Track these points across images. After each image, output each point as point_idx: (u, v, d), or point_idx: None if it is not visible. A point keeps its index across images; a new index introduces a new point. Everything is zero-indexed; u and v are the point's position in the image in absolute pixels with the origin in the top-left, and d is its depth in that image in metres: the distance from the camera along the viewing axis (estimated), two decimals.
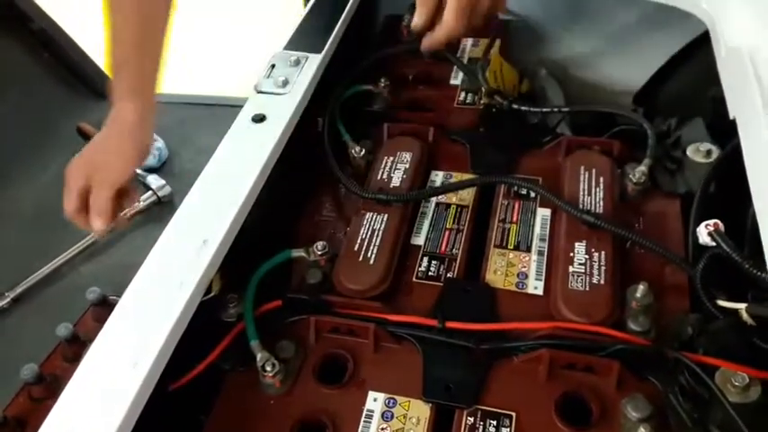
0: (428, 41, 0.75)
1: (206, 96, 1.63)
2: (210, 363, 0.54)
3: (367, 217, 0.66)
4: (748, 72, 0.65)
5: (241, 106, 0.72)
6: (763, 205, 0.52)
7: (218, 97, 1.58)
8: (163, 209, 1.23)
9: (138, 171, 1.26)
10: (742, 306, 0.53)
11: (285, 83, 0.74)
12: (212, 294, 0.56)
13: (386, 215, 0.66)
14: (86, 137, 1.35)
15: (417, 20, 0.73)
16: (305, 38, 0.81)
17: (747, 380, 0.44)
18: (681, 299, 0.58)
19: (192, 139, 1.34)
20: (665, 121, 0.79)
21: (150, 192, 1.23)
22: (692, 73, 0.95)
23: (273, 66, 0.77)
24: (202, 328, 0.54)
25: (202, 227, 0.57)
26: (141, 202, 1.23)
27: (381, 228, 0.65)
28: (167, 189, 1.23)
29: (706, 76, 0.80)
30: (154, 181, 1.24)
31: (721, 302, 0.55)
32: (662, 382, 0.49)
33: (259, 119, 0.69)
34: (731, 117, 0.66)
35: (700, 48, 0.88)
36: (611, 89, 1.08)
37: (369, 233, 0.64)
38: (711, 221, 0.56)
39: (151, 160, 1.32)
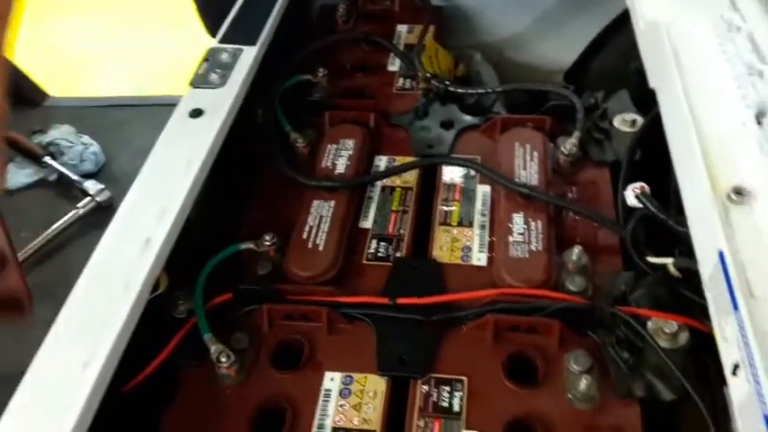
0: None
1: (138, 97, 1.60)
2: (164, 361, 0.54)
3: (314, 205, 0.67)
4: (665, 44, 0.69)
5: (172, 105, 0.71)
6: (682, 169, 0.56)
7: (150, 97, 1.56)
8: (103, 214, 1.20)
9: (75, 177, 1.24)
10: (669, 261, 0.56)
11: (221, 77, 0.74)
12: (159, 291, 0.56)
13: (332, 202, 0.68)
14: (13, 144, 1.30)
15: None
16: (239, 30, 0.81)
17: (676, 327, 0.48)
18: (614, 259, 0.62)
19: (128, 140, 1.32)
20: (592, 95, 0.82)
21: (89, 198, 1.20)
22: (617, 49, 1.00)
23: (208, 60, 0.77)
24: (154, 327, 0.54)
25: (144, 226, 0.57)
26: (81, 209, 1.20)
27: (329, 214, 0.66)
28: (106, 194, 1.20)
29: (630, 51, 0.84)
30: (92, 186, 1.21)
31: (650, 259, 0.58)
32: (600, 336, 0.53)
33: (196, 113, 0.69)
34: (651, 87, 0.69)
35: (622, 25, 0.93)
36: (544, 69, 1.12)
37: (317, 220, 0.66)
38: (638, 184, 0.59)
39: (87, 165, 1.29)
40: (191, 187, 0.61)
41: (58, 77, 1.99)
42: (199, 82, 0.73)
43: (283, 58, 0.83)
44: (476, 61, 1.00)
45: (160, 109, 1.39)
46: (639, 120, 0.74)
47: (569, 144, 0.71)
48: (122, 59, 2.06)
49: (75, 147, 1.27)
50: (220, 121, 0.68)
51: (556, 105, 0.80)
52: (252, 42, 0.78)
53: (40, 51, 2.10)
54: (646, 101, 0.74)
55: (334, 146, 0.75)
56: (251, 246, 0.63)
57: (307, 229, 0.65)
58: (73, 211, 1.18)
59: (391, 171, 0.72)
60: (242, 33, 0.80)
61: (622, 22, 0.94)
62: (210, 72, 0.74)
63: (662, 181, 0.65)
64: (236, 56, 0.77)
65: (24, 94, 1.44)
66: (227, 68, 0.75)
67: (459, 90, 0.81)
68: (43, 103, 1.43)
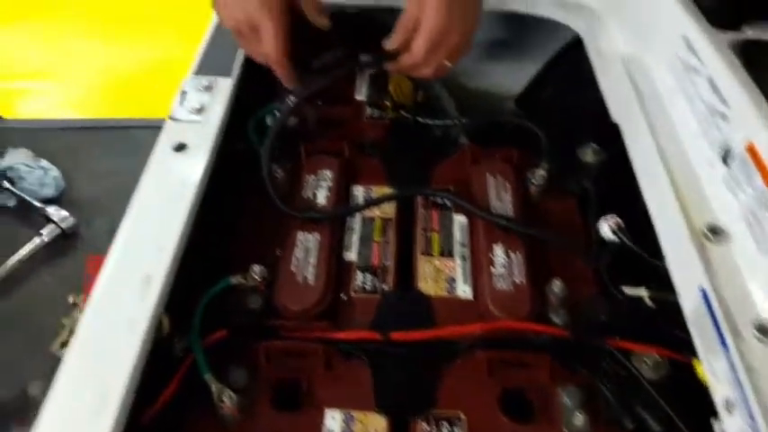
0: (394, 66, 0.77)
1: (92, 119, 1.55)
2: (167, 400, 0.54)
3: (299, 237, 0.68)
4: (625, 78, 0.74)
5: (129, 127, 0.71)
6: (655, 206, 0.60)
7: (104, 120, 1.51)
8: (67, 241, 1.16)
9: (36, 204, 1.19)
10: (644, 293, 0.61)
11: (200, 109, 0.74)
12: (164, 334, 0.56)
13: (317, 234, 0.69)
14: None
15: (390, 44, 0.75)
16: (212, 61, 0.81)
17: (659, 358, 0.52)
18: (588, 287, 0.66)
19: (85, 164, 1.28)
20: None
21: (53, 225, 1.15)
22: (566, 76, 1.05)
23: (185, 92, 0.76)
24: (153, 367, 0.54)
25: (143, 263, 0.56)
26: (45, 237, 1.15)
27: (315, 246, 0.68)
28: (71, 220, 1.16)
29: (579, 80, 0.90)
30: (55, 212, 1.16)
31: (626, 289, 0.63)
32: (589, 369, 0.56)
33: (180, 147, 0.69)
34: (613, 121, 0.75)
35: (571, 53, 0.98)
36: (495, 95, 1.16)
37: (303, 253, 0.67)
38: (611, 218, 0.64)
39: (48, 191, 1.24)
40: (186, 222, 0.61)
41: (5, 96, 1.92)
42: (178, 114, 0.73)
43: (258, 87, 0.84)
44: (435, 88, 1.04)
45: (112, 132, 1.36)
46: (600, 152, 0.79)
47: (539, 176, 0.75)
48: (66, 75, 1.99)
49: (34, 171, 1.22)
50: (206, 154, 0.68)
51: (516, 133, 0.84)
52: (227, 73, 0.79)
53: None
54: (605, 131, 0.79)
55: (313, 176, 0.76)
56: (241, 280, 0.63)
57: (294, 261, 0.66)
58: (37, 239, 1.13)
59: (373, 202, 0.74)
60: (216, 64, 0.80)
61: (571, 51, 0.99)
62: (189, 105, 0.74)
63: (627, 209, 0.70)
64: (212, 87, 0.77)
65: None
66: (204, 101, 0.75)
67: (429, 122, 0.84)
68: None
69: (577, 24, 0.88)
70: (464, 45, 0.75)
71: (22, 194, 1.21)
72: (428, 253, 0.69)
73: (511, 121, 0.83)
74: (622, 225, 0.63)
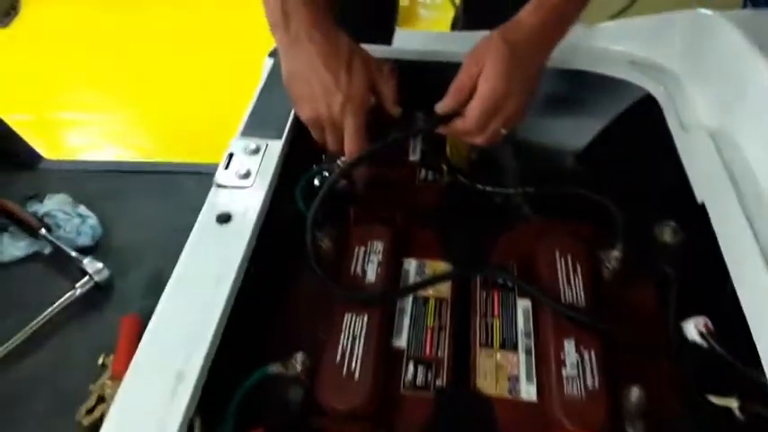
0: (445, 131, 0.73)
1: (137, 163, 1.55)
2: None
3: (346, 320, 0.63)
4: (713, 154, 0.67)
5: (172, 172, 0.68)
6: (752, 309, 0.53)
7: (147, 164, 1.50)
8: (100, 294, 1.14)
9: (73, 253, 1.18)
10: (734, 404, 0.53)
11: (247, 174, 0.70)
12: None
13: (365, 316, 0.63)
14: (8, 214, 1.24)
15: (442, 107, 0.71)
16: (261, 122, 0.77)
17: None
18: (670, 392, 0.58)
19: (126, 211, 1.26)
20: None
21: (87, 277, 1.13)
22: (636, 137, 0.98)
23: (231, 155, 0.72)
24: None
25: (175, 357, 0.52)
26: (78, 289, 1.13)
27: (362, 333, 0.62)
28: (105, 273, 1.14)
29: (651, 143, 0.83)
30: (90, 264, 1.14)
31: (712, 398, 0.55)
32: None
33: (224, 219, 0.64)
34: (699, 201, 0.67)
35: (641, 111, 0.91)
36: (555, 149, 1.10)
37: (349, 340, 0.61)
38: (701, 320, 0.56)
39: (84, 240, 1.22)
40: (223, 310, 0.56)
41: (49, 135, 1.96)
42: (223, 180, 0.69)
43: (305, 151, 0.79)
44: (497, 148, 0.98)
45: (159, 177, 1.35)
46: (680, 231, 0.71)
47: (613, 259, 0.68)
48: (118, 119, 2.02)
49: (72, 219, 1.21)
50: (250, 227, 0.64)
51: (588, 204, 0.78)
52: (277, 136, 0.75)
53: (32, 107, 2.07)
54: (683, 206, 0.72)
55: (363, 248, 0.70)
56: (281, 369, 0.58)
57: (339, 350, 0.60)
58: (69, 293, 1.11)
59: (427, 282, 0.68)
60: (265, 125, 0.76)
61: (643, 108, 0.92)
62: (236, 169, 0.70)
63: (713, 300, 0.62)
64: (260, 150, 0.73)
65: (17, 156, 1.38)
66: (252, 165, 0.71)
67: (488, 189, 0.78)
68: (38, 166, 1.37)
69: (655, 88, 0.82)
70: (522, 112, 0.69)
71: (59, 243, 1.20)
72: (488, 344, 0.63)
73: (585, 195, 0.76)
74: (712, 329, 0.56)
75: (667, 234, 0.71)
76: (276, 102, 0.80)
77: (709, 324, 0.56)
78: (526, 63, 0.68)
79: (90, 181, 1.30)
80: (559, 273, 0.67)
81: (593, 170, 1.05)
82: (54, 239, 1.19)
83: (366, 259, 0.69)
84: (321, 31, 0.68)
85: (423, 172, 0.84)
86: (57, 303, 1.07)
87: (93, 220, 1.22)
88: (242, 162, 0.71)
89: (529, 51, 0.68)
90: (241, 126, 0.76)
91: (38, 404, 0.97)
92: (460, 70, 0.69)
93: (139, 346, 0.53)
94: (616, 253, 0.68)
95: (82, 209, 1.25)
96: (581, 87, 1.00)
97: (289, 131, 0.76)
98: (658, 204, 0.80)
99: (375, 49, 0.88)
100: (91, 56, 2.34)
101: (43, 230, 1.19)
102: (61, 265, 1.17)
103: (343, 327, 0.62)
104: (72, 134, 2.03)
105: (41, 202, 1.28)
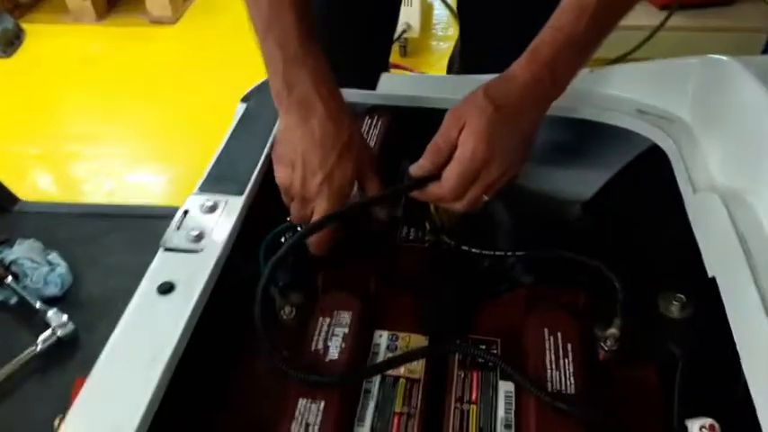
0: (420, 195, 0.65)
1: (117, 206, 1.49)
2: None
3: (299, 407, 0.55)
4: (725, 223, 0.58)
5: (151, 216, 0.61)
6: (760, 396, 0.44)
7: (125, 206, 1.44)
8: (64, 349, 1.07)
9: (38, 304, 1.11)
10: None
11: (199, 237, 0.63)
12: None
13: (322, 403, 0.55)
14: None
15: (416, 169, 0.63)
16: (223, 176, 0.70)
17: None
18: None
19: (98, 256, 1.19)
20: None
21: (50, 330, 1.07)
22: (641, 189, 0.91)
23: (186, 212, 0.66)
24: None
25: None
26: (39, 344, 1.07)
27: (317, 422, 0.54)
28: (70, 327, 1.06)
29: (657, 196, 0.75)
30: (54, 317, 1.08)
31: None
32: None
33: (166, 289, 0.57)
34: (710, 275, 0.59)
35: (648, 163, 0.84)
36: (559, 198, 1.03)
37: (302, 429, 0.53)
38: (708, 423, 0.48)
39: (52, 290, 1.16)
40: (151, 399, 0.48)
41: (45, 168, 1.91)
42: (172, 242, 0.62)
43: (267, 208, 0.72)
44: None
45: (140, 221, 1.29)
46: (688, 303, 0.63)
47: (610, 338, 0.60)
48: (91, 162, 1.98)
49: (39, 268, 1.15)
50: (194, 300, 0.57)
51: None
52: (239, 191, 0.68)
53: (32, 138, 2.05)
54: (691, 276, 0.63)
55: (327, 320, 0.63)
56: None
57: None
58: (30, 348, 1.04)
59: (395, 362, 0.60)
60: (227, 180, 0.69)
61: (647, 160, 0.85)
62: (187, 230, 0.63)
63: (722, 386, 0.54)
64: (218, 208, 0.66)
65: None
66: (206, 225, 0.64)
67: (475, 251, 0.71)
68: (12, 209, 1.32)
69: (663, 140, 0.74)
70: (508, 177, 0.62)
71: (24, 293, 1.14)
72: None
73: (581, 261, 0.68)
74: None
75: (674, 308, 0.63)
76: (243, 152, 0.73)
77: (716, 427, 0.47)
78: (514, 124, 0.60)
79: (65, 225, 1.24)
80: (548, 354, 0.59)
81: (600, 222, 0.98)
82: (19, 289, 1.13)
83: (330, 332, 0.61)
84: (326, 104, 0.63)
85: (405, 229, 0.77)
86: (17, 358, 1.01)
87: (62, 268, 1.16)
88: (196, 222, 0.64)
89: (518, 110, 0.61)
90: (201, 180, 0.69)
91: None
92: (440, 129, 0.62)
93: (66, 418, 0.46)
94: (614, 331, 0.60)
95: (53, 256, 1.19)
96: (587, 136, 0.94)
97: (253, 186, 0.69)
98: (666, 267, 0.73)
99: (356, 94, 0.83)
100: (93, 88, 2.33)
101: (9, 279, 1.14)
102: (26, 316, 1.11)
103: (296, 414, 0.54)
104: (70, 167, 1.99)
105: (11, 247, 1.22)
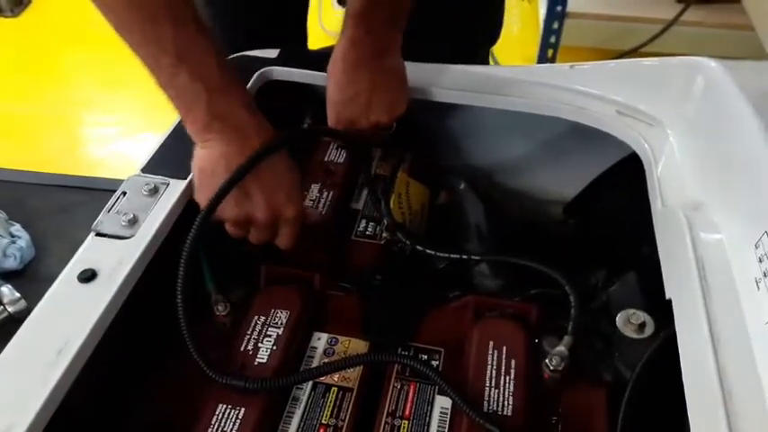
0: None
1: (87, 178, 1.43)
2: None
3: (217, 413, 0.52)
4: (686, 243, 0.54)
5: None
6: None
7: (101, 179, 1.39)
8: (16, 327, 1.04)
9: None
10: None
11: (132, 221, 0.59)
12: None
13: (242, 409, 0.52)
14: None
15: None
16: (170, 156, 0.67)
17: None
18: None
19: (66, 230, 1.15)
20: (593, 274, 0.68)
21: (1, 306, 1.04)
22: (622, 193, 0.87)
23: (124, 194, 0.62)
24: None
25: None
26: None
27: (233, 429, 0.51)
28: (22, 304, 1.03)
29: (637, 200, 0.71)
30: (7, 293, 1.04)
31: None
32: None
33: (87, 277, 0.54)
34: (667, 296, 0.55)
35: (629, 165, 0.79)
36: (539, 199, 0.99)
37: None
38: None
39: (11, 262, 1.13)
40: (51, 393, 0.45)
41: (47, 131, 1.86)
42: (104, 227, 0.59)
43: None
44: (459, 191, 0.87)
45: (109, 195, 1.24)
46: (649, 323, 0.58)
47: (557, 357, 0.55)
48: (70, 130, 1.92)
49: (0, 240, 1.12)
50: (114, 289, 0.53)
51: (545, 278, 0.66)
52: (182, 175, 0.64)
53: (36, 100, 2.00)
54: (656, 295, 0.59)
55: (262, 319, 0.59)
56: None
57: None
58: None
59: (326, 369, 0.56)
60: (172, 162, 0.65)
61: (631, 164, 0.81)
62: (120, 214, 0.59)
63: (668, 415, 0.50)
64: (159, 192, 0.62)
65: None
66: (143, 210, 0.60)
67: (428, 251, 0.67)
68: None
69: (640, 146, 0.69)
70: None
71: None
72: None
73: (533, 267, 0.64)
74: None
75: (631, 328, 0.58)
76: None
77: None
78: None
79: (37, 194, 1.20)
80: (488, 369, 0.55)
81: (580, 224, 0.94)
82: None
83: (263, 333, 0.58)
84: (260, 126, 0.61)
85: (363, 223, 0.73)
86: None
87: (23, 240, 1.13)
88: (133, 205, 0.61)
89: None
90: (144, 160, 0.66)
91: None
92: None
93: None
94: (562, 349, 0.56)
95: (16, 227, 1.16)
96: (566, 136, 0.89)
97: None
98: (638, 280, 0.68)
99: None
100: (101, 51, 2.28)
101: None
102: None
103: (213, 420, 0.51)
104: (63, 132, 1.95)
105: None
